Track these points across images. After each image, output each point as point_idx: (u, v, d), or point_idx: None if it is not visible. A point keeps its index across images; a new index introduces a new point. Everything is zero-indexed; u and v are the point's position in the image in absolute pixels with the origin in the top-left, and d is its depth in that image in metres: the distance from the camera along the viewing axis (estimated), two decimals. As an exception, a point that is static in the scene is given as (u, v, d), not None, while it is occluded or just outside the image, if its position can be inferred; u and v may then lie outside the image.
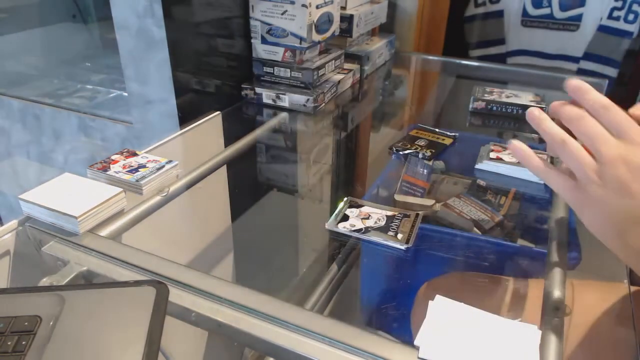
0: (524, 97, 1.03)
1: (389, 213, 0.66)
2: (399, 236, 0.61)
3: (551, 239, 0.57)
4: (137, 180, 0.63)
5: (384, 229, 0.63)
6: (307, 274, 0.81)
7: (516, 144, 0.48)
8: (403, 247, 0.60)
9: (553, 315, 0.45)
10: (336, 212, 0.67)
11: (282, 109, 0.99)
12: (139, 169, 0.66)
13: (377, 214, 0.66)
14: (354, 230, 0.62)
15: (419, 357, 0.39)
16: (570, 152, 0.44)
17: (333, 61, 1.06)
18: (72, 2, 1.47)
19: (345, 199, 0.70)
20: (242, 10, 0.97)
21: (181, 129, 0.86)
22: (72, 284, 0.49)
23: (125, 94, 0.93)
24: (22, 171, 1.19)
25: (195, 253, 0.82)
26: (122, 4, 0.82)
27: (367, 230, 0.62)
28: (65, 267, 0.51)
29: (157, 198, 0.64)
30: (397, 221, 0.64)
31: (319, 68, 0.99)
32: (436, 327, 0.42)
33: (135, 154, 0.70)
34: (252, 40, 0.99)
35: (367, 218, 0.65)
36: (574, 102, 0.47)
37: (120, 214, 0.59)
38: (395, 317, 0.72)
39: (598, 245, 0.45)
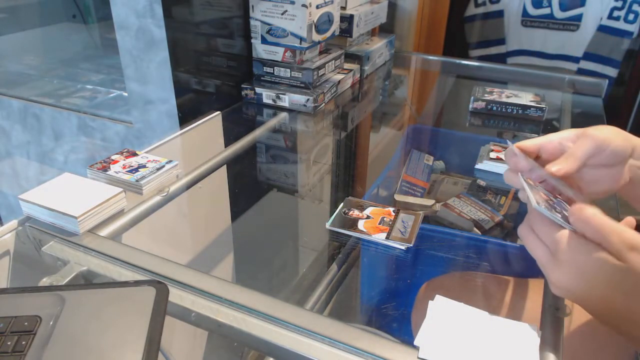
0: (524, 97, 1.03)
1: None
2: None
3: (551, 239, 0.57)
4: (137, 180, 0.63)
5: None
6: (307, 274, 0.81)
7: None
8: (403, 247, 0.60)
9: (553, 315, 0.45)
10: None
11: (282, 109, 0.99)
12: (139, 169, 0.66)
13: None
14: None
15: (419, 357, 0.39)
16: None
17: (333, 61, 1.06)
18: (72, 2, 1.47)
19: (346, 199, 0.70)
20: (242, 10, 0.97)
21: (181, 129, 0.86)
22: (72, 284, 0.49)
23: (125, 94, 0.93)
24: (22, 171, 1.19)
25: (195, 253, 0.82)
26: (122, 4, 0.82)
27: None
28: (65, 267, 0.51)
29: (157, 198, 0.64)
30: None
31: (319, 68, 0.99)
32: (436, 327, 0.42)
33: (135, 154, 0.70)
34: (252, 40, 0.99)
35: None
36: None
37: (120, 214, 0.59)
38: (395, 317, 0.72)
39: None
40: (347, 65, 1.13)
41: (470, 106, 1.05)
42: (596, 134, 0.47)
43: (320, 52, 1.05)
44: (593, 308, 0.42)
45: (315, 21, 0.95)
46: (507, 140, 0.51)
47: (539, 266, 0.44)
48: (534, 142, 0.51)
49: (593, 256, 0.39)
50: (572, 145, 0.49)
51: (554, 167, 0.47)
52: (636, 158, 0.49)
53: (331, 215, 0.66)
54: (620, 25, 1.46)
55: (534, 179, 0.48)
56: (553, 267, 0.41)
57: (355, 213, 0.66)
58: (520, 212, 0.84)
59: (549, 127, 1.00)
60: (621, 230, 0.39)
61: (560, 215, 0.42)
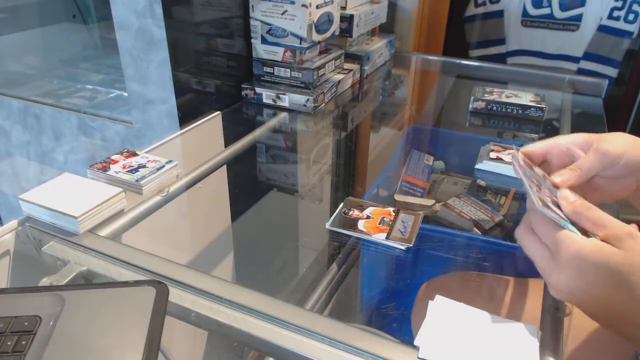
0: (524, 97, 1.03)
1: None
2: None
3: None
4: (137, 180, 0.63)
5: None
6: (307, 274, 0.81)
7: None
8: (403, 247, 0.60)
9: (553, 315, 0.45)
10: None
11: (282, 109, 0.99)
12: (139, 169, 0.66)
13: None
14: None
15: (419, 357, 0.39)
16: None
17: (333, 61, 1.06)
18: (72, 2, 1.47)
19: (346, 199, 0.70)
20: (242, 10, 0.97)
21: (181, 129, 0.86)
22: (72, 284, 0.49)
23: (125, 94, 0.93)
24: (22, 171, 1.19)
25: (195, 253, 0.81)
26: (122, 4, 0.82)
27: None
28: (65, 267, 0.51)
29: (157, 198, 0.64)
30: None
31: (319, 68, 0.99)
32: (436, 327, 0.42)
33: (135, 154, 0.70)
34: (252, 40, 0.99)
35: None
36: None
37: (120, 214, 0.59)
38: (395, 317, 0.72)
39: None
40: (347, 65, 1.13)
41: (470, 106, 1.05)
42: (609, 149, 0.46)
43: (320, 52, 1.05)
44: (593, 310, 0.42)
45: (315, 21, 0.95)
46: (515, 147, 0.50)
47: (537, 269, 0.43)
48: (540, 146, 0.49)
49: (593, 256, 0.39)
50: (580, 153, 0.48)
51: (558, 178, 0.46)
52: None
53: (331, 215, 0.66)
54: (620, 25, 1.46)
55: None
56: (552, 268, 0.41)
57: (355, 213, 0.66)
58: (521, 212, 0.84)
59: (549, 127, 1.00)
60: (619, 221, 0.40)
61: (554, 204, 0.42)
